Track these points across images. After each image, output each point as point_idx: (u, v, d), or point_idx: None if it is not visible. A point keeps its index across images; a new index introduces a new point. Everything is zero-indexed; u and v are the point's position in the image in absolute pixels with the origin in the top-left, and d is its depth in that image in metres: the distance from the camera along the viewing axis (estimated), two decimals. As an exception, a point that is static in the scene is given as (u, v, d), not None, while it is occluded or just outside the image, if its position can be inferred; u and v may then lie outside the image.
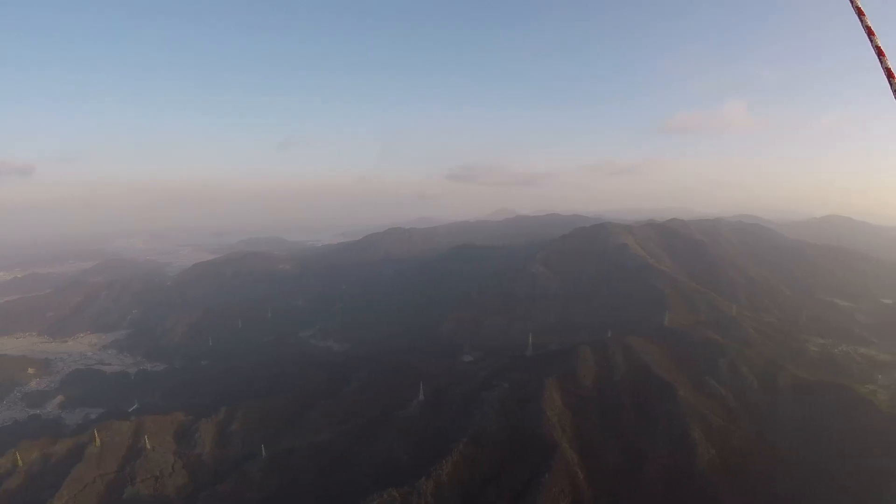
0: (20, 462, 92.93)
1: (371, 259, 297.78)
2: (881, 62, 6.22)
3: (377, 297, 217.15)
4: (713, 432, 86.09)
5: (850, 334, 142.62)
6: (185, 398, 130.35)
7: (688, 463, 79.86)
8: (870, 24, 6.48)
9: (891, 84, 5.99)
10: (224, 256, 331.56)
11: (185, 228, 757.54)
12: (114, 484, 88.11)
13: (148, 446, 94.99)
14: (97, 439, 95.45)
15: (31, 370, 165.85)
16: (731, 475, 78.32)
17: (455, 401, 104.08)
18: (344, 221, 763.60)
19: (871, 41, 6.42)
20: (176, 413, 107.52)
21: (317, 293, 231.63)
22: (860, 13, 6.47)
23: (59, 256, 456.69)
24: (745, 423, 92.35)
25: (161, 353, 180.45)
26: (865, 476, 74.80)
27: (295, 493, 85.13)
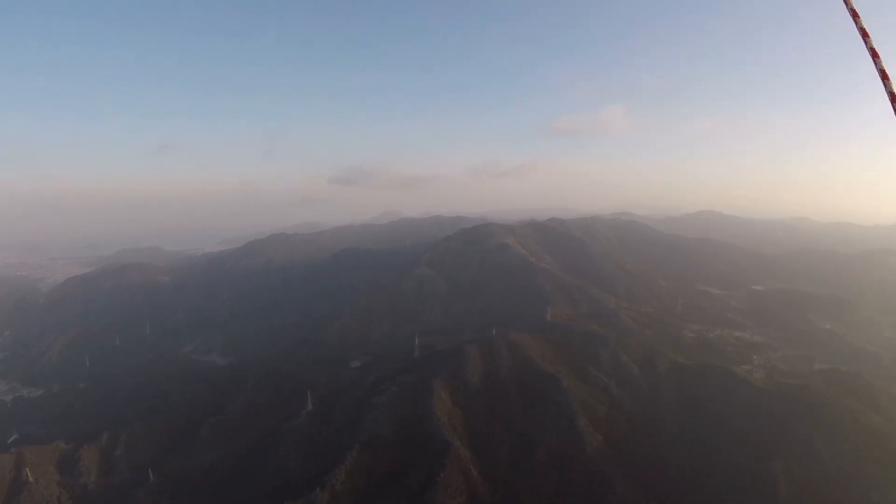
0: None
1: (254, 267, 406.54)
2: (875, 63, 9.71)
3: (261, 307, 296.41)
4: (599, 419, 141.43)
5: (724, 320, 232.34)
6: (66, 425, 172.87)
7: (577, 450, 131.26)
8: (864, 26, 10.27)
9: (885, 86, 9.43)
10: (100, 269, 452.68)
11: (58, 240, 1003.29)
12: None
13: (30, 479, 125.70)
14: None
15: None
16: (620, 459, 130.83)
17: (345, 408, 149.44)
18: (226, 228, 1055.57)
19: (866, 42, 10.12)
20: (57, 442, 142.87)
21: (198, 305, 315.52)
22: (854, 15, 10.22)
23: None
24: (629, 409, 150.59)
25: (38, 378, 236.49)
26: (749, 451, 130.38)
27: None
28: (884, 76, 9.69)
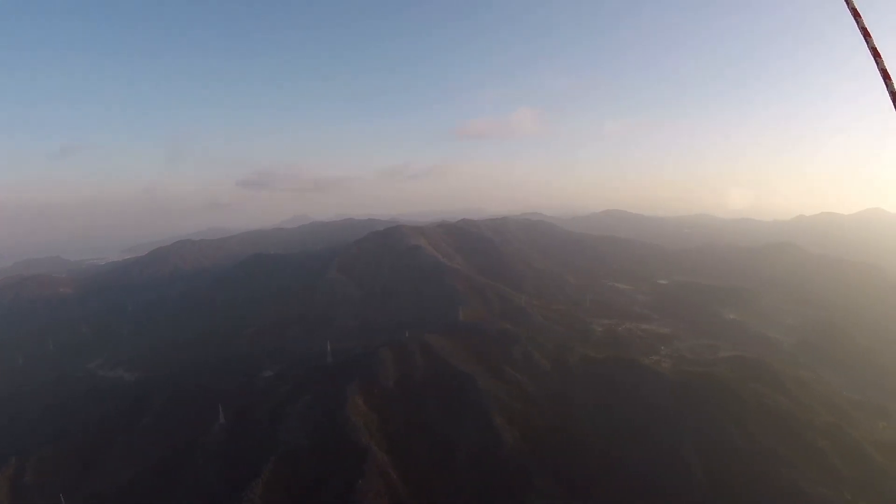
0: None
1: (160, 275, 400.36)
2: (877, 63, 10.03)
3: (168, 318, 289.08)
4: (515, 416, 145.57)
5: (631, 313, 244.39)
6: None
7: (495, 448, 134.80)
8: (866, 25, 10.59)
9: (887, 86, 9.68)
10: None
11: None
12: None
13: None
14: None
15: None
16: (537, 453, 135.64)
17: (259, 419, 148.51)
18: (130, 235, 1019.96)
19: (868, 42, 10.40)
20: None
21: (103, 318, 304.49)
22: (856, 14, 10.57)
23: None
24: (543, 404, 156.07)
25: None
26: (661, 438, 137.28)
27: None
28: (885, 76, 10.04)
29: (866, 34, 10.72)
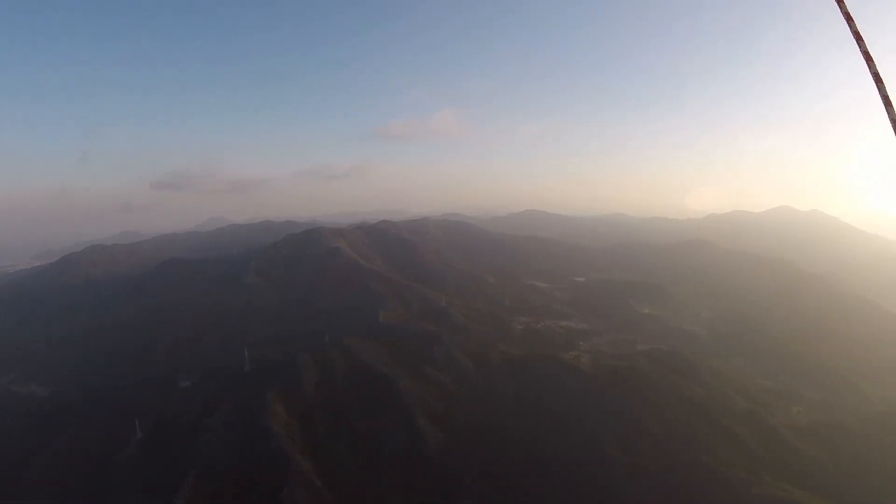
0: None
1: (72, 283, 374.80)
2: (869, 67, 10.29)
3: (81, 328, 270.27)
4: (438, 417, 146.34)
5: (550, 311, 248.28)
6: None
7: (420, 449, 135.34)
8: (858, 29, 10.75)
9: (879, 89, 9.89)
10: None
11: None
12: None
13: None
14: None
15: None
16: (461, 452, 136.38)
17: (178, 432, 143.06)
18: (40, 240, 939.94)
19: (860, 46, 10.60)
20: None
21: (12, 330, 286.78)
22: (849, 19, 10.75)
23: None
24: (466, 403, 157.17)
25: None
26: (583, 430, 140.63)
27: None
28: (878, 80, 10.09)
29: (858, 38, 10.93)
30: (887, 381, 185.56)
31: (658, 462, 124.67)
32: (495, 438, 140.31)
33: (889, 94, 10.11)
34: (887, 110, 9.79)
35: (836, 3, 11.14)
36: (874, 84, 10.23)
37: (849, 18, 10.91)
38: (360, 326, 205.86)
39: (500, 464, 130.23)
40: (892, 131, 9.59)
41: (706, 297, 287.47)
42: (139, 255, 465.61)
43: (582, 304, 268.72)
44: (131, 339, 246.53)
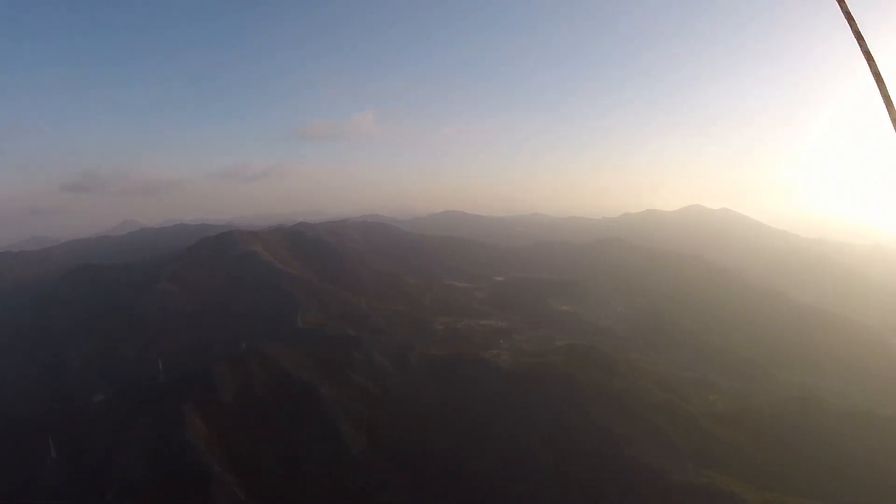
0: None
1: None
2: (870, 67, 10.37)
3: None
4: (361, 422, 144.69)
5: (470, 310, 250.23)
6: None
7: (343, 455, 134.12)
8: (859, 28, 10.77)
9: (880, 89, 9.94)
10: None
11: None
12: None
13: None
14: None
15: None
16: (387, 456, 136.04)
17: (95, 450, 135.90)
18: None
19: (861, 46, 10.64)
20: None
21: None
22: (849, 18, 10.83)
23: None
24: (389, 406, 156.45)
25: None
26: (506, 428, 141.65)
27: None
28: (878, 79, 9.99)
29: (859, 37, 10.82)
30: (797, 368, 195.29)
31: (580, 455, 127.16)
32: (419, 440, 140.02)
33: (890, 94, 9.98)
34: (888, 110, 9.70)
35: (837, 3, 11.14)
36: (875, 84, 10.17)
37: (850, 18, 10.89)
38: (278, 332, 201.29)
39: (424, 466, 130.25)
40: (894, 131, 9.45)
41: (622, 292, 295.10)
42: (48, 261, 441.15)
43: (501, 302, 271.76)
44: (42, 352, 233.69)
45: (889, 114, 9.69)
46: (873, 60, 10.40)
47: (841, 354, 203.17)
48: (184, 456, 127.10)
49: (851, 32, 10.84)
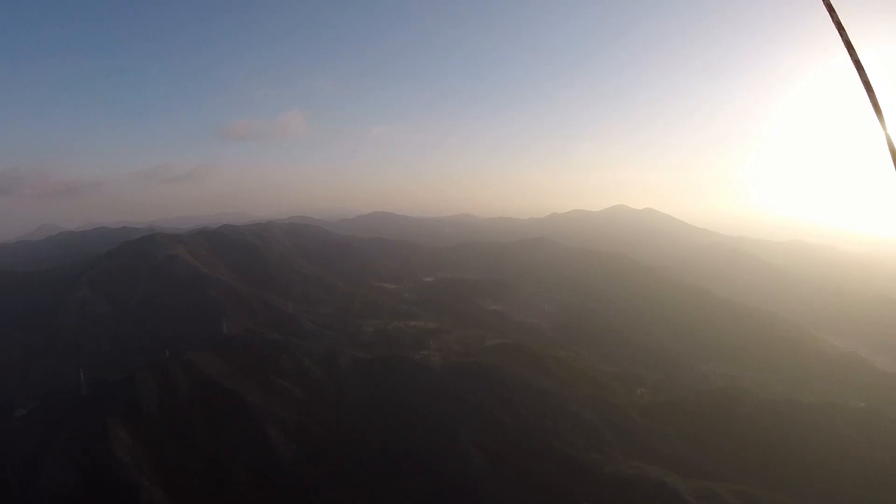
0: None
1: None
2: (860, 76, 9.03)
3: None
4: (290, 429, 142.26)
5: (400, 311, 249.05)
6: None
7: (274, 464, 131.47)
8: (850, 38, 9.29)
9: (870, 97, 8.68)
10: None
11: None
12: None
13: None
14: None
15: None
16: (317, 463, 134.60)
17: (15, 467, 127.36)
18: None
19: (851, 55, 9.38)
20: None
21: None
22: (840, 28, 9.31)
23: None
24: (318, 412, 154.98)
25: None
26: (437, 429, 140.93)
27: None
28: (868, 88, 9.77)
29: (849, 46, 10.54)
30: (720, 360, 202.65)
31: (512, 452, 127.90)
32: (350, 445, 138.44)
33: (879, 103, 9.75)
34: (879, 119, 9.50)
35: (827, 13, 10.77)
36: (865, 93, 9.91)
37: (840, 28, 10.58)
38: (202, 339, 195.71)
39: (356, 470, 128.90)
40: (885, 140, 9.24)
41: (549, 291, 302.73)
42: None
43: (430, 303, 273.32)
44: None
45: (880, 122, 9.46)
46: (863, 69, 10.13)
47: (761, 346, 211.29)
48: (110, 470, 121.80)
49: (842, 41, 10.52)
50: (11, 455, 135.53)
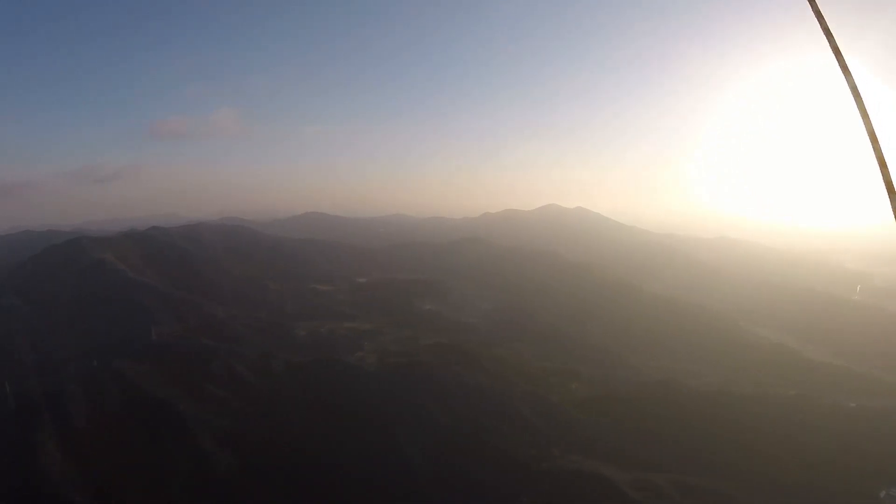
0: None
1: None
2: (847, 80, 8.45)
3: None
4: (225, 437, 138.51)
5: (334, 313, 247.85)
6: None
7: (209, 474, 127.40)
8: (837, 44, 9.01)
9: (857, 103, 8.53)
10: None
11: None
12: None
13: None
14: None
15: None
16: (254, 471, 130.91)
17: None
18: None
19: (838, 60, 8.93)
20: None
21: None
22: (836, 52, 9.24)
23: None
24: (253, 418, 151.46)
25: None
26: (374, 431, 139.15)
27: None
28: (855, 93, 9.85)
29: (837, 52, 10.41)
30: (653, 353, 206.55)
31: (450, 451, 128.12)
32: (287, 451, 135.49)
33: (868, 110, 9.86)
34: (864, 124, 9.70)
35: (815, 18, 10.62)
36: (852, 97, 9.95)
37: (828, 34, 10.46)
38: (132, 347, 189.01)
39: (294, 477, 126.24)
40: (870, 146, 9.41)
41: (484, 289, 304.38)
42: None
43: (365, 304, 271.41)
44: None
45: (865, 127, 9.62)
46: (850, 74, 10.04)
47: (692, 339, 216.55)
48: (41, 489, 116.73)
49: (830, 48, 10.36)
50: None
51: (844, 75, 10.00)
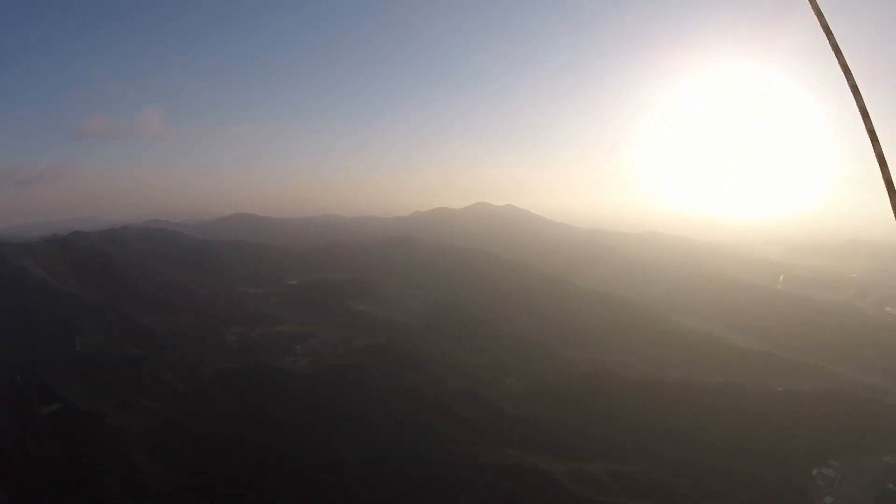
0: None
1: None
2: (847, 80, 10.06)
3: None
4: (155, 448, 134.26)
5: (265, 317, 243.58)
6: None
7: (141, 488, 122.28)
8: (847, 63, 10.45)
9: (857, 102, 9.93)
10: None
11: None
12: None
13: None
14: None
15: None
16: (188, 483, 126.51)
17: None
18: None
19: (839, 59, 10.47)
20: None
21: None
22: (836, 52, 10.61)
23: None
24: (185, 429, 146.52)
25: None
26: (310, 436, 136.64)
27: None
28: (855, 92, 9.95)
29: (837, 51, 10.72)
30: (585, 346, 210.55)
31: (387, 451, 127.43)
32: (220, 461, 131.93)
33: (868, 108, 10.01)
34: (864, 122, 9.71)
35: (815, 17, 11.09)
36: (852, 96, 10.10)
37: (828, 32, 10.76)
38: (56, 359, 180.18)
39: (229, 487, 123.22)
40: (870, 143, 9.40)
41: (416, 289, 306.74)
42: None
43: (296, 307, 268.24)
44: None
45: (864, 123, 9.55)
46: (850, 74, 10.10)
47: (623, 331, 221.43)
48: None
49: (830, 48, 10.64)
50: None
51: (845, 75, 10.00)
